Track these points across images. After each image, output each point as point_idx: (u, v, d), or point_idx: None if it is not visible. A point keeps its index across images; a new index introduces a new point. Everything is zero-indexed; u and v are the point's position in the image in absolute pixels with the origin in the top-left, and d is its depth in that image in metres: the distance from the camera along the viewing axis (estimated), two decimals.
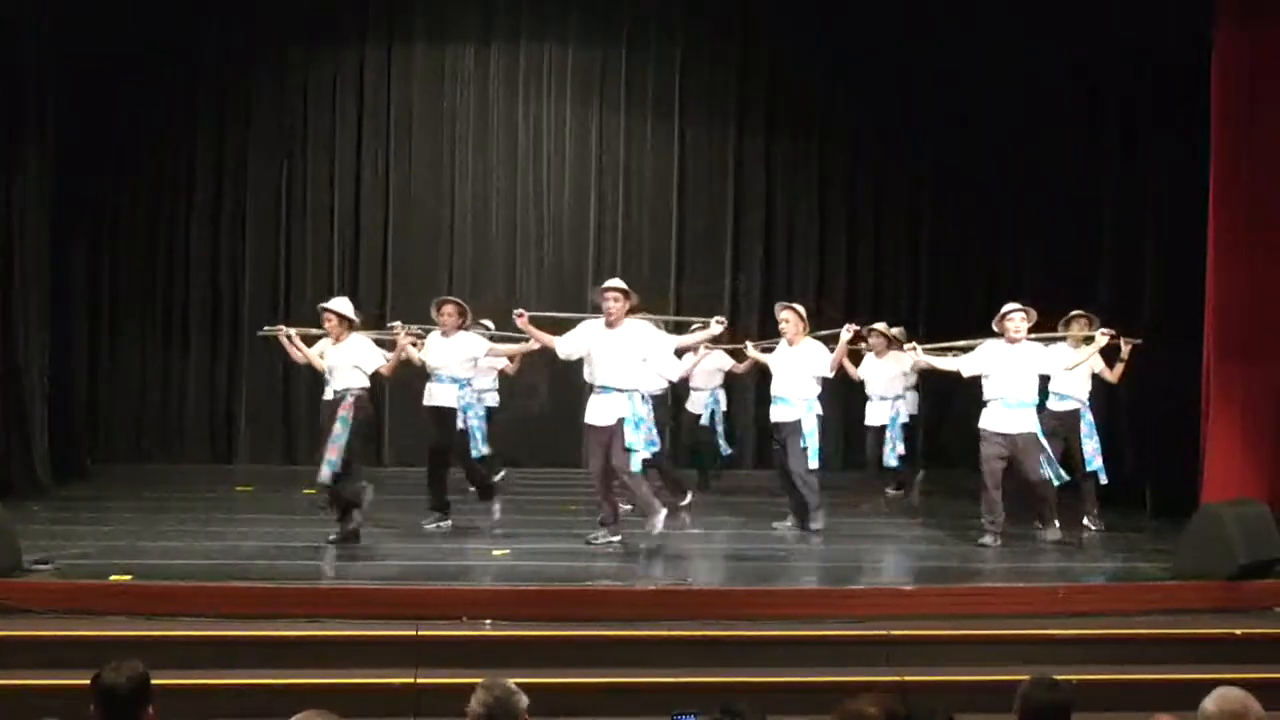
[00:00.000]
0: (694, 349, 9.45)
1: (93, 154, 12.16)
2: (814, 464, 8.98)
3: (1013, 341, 8.53)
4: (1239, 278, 8.56)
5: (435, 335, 9.06)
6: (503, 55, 13.15)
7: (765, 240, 13.42)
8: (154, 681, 3.82)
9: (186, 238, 12.85)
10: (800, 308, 9.25)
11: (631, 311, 8.30)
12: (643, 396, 8.20)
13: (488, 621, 6.60)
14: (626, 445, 8.04)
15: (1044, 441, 8.59)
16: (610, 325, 8.17)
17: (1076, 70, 11.38)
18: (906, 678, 6.26)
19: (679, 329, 9.32)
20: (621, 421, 8.06)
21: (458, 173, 13.16)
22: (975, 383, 8.82)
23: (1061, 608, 7.07)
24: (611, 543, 8.23)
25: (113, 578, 6.93)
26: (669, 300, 13.12)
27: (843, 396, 11.29)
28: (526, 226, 13.20)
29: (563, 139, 13.27)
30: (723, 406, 11.16)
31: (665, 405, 10.47)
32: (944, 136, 13.16)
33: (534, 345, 8.79)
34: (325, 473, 8.15)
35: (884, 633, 6.66)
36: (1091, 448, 9.23)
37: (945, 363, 9.04)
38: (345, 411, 8.21)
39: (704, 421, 11.08)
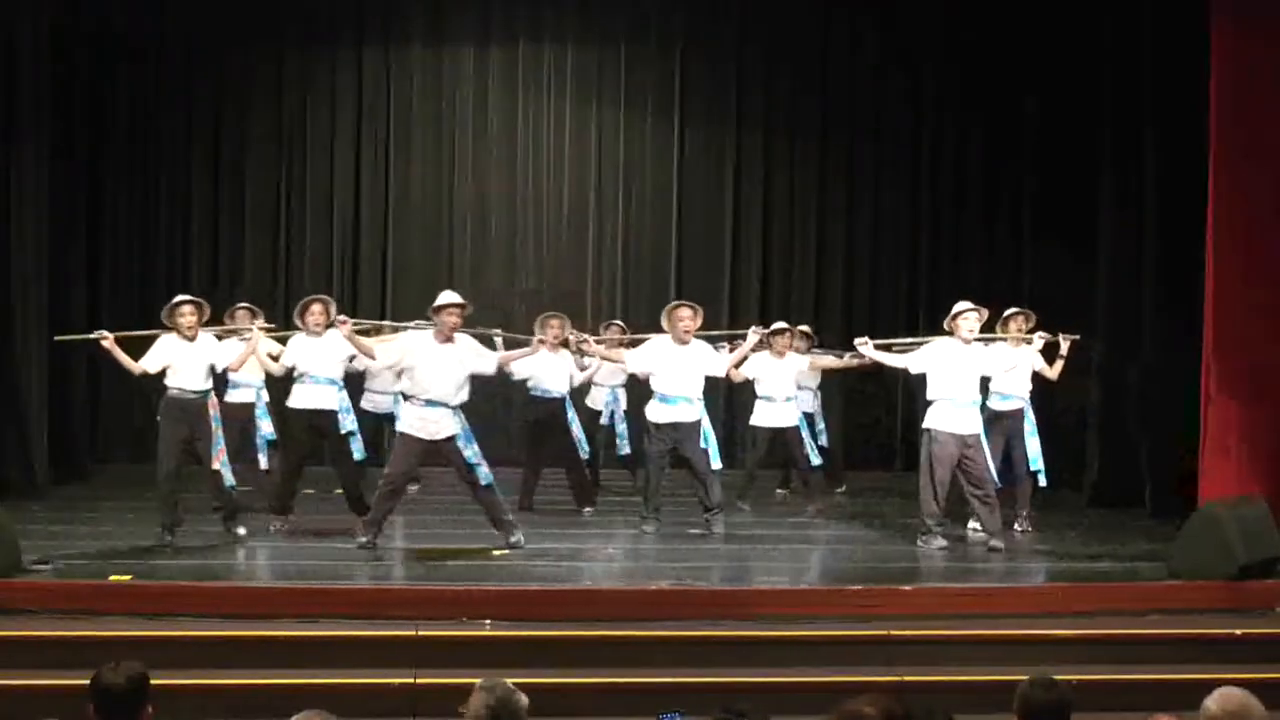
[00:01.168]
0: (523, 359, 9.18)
1: (92, 153, 12.16)
2: (717, 464, 8.99)
3: (966, 341, 8.47)
4: (1238, 276, 8.55)
5: (300, 338, 8.73)
6: (501, 54, 13.15)
7: (764, 239, 13.42)
8: (154, 681, 3.82)
9: (185, 238, 12.86)
10: (696, 306, 9.12)
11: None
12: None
13: (487, 622, 6.60)
14: (470, 461, 7.98)
15: (985, 443, 8.54)
16: (445, 339, 8.05)
17: (1075, 70, 11.39)
18: (906, 678, 6.26)
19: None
20: (454, 439, 7.99)
21: (457, 172, 13.16)
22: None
23: (1061, 608, 7.07)
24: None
25: (112, 578, 6.94)
26: (669, 297, 13.12)
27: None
28: (526, 226, 13.20)
29: (562, 138, 13.27)
30: (623, 405, 11.01)
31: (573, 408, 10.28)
32: (942, 136, 13.20)
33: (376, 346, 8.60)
34: (229, 475, 8.10)
35: (884, 633, 6.67)
36: (1034, 447, 9.13)
37: (894, 359, 8.91)
38: (215, 411, 8.17)
39: (604, 421, 11.00)
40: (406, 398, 8.12)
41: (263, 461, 9.72)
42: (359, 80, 12.99)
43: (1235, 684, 3.65)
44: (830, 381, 11.58)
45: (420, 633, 6.43)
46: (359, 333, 8.59)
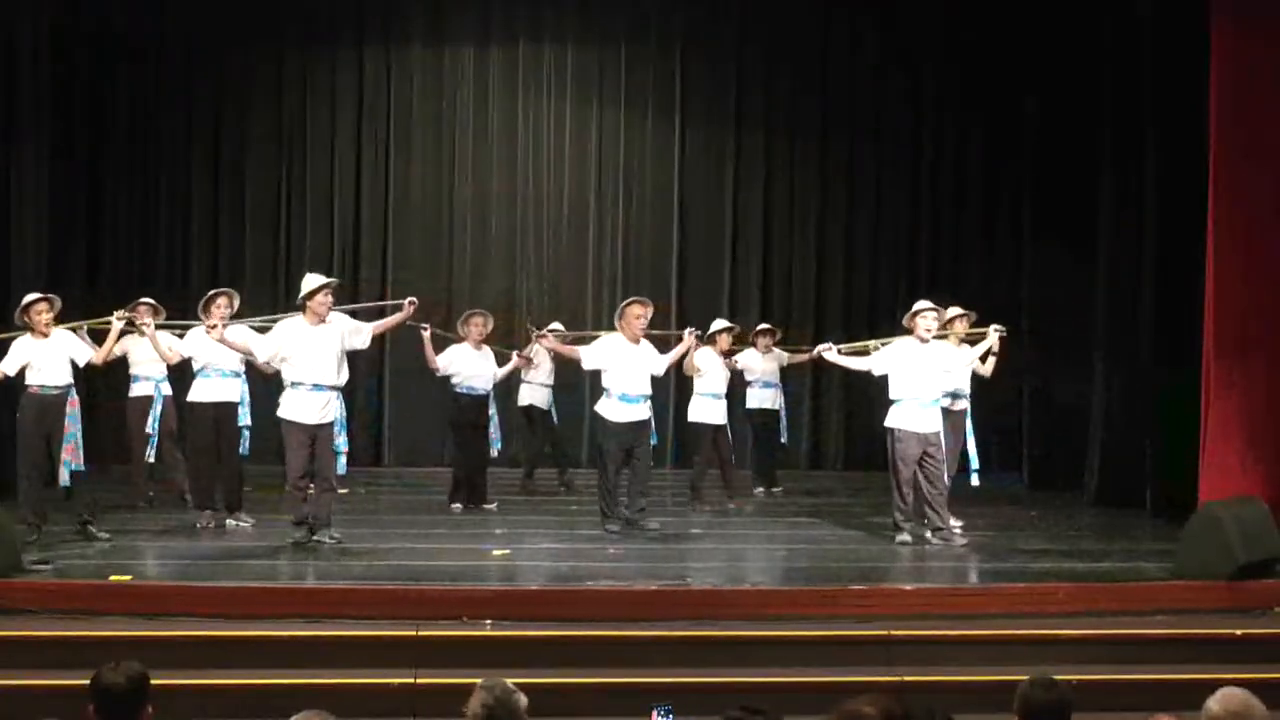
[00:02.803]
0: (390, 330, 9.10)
1: (92, 153, 12.18)
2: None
3: (924, 341, 8.51)
4: (1238, 276, 8.55)
5: (201, 330, 8.69)
6: (502, 55, 13.16)
7: (764, 239, 13.43)
8: (154, 681, 3.82)
9: (185, 238, 12.88)
10: (648, 301, 9.07)
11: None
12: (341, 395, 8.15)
13: (488, 622, 6.59)
14: (335, 448, 7.96)
15: (943, 441, 8.57)
16: (318, 321, 7.98)
17: (1075, 70, 11.39)
18: (906, 678, 6.25)
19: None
20: (333, 424, 7.97)
21: (457, 172, 13.17)
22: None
23: (1062, 608, 7.06)
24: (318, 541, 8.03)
25: (113, 578, 6.93)
26: (670, 297, 13.15)
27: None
28: (526, 226, 13.21)
29: (562, 138, 13.28)
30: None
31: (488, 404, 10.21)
32: (942, 137, 13.21)
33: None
34: (65, 475, 8.00)
35: (884, 633, 6.66)
36: (971, 446, 9.15)
37: (857, 363, 8.98)
38: (74, 409, 8.08)
39: (557, 420, 11.13)
40: (292, 385, 8.03)
41: (150, 456, 9.65)
42: (359, 80, 13.00)
43: (1235, 684, 3.65)
44: (832, 381, 11.61)
45: (420, 633, 6.42)
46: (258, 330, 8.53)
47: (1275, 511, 7.69)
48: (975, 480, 9.20)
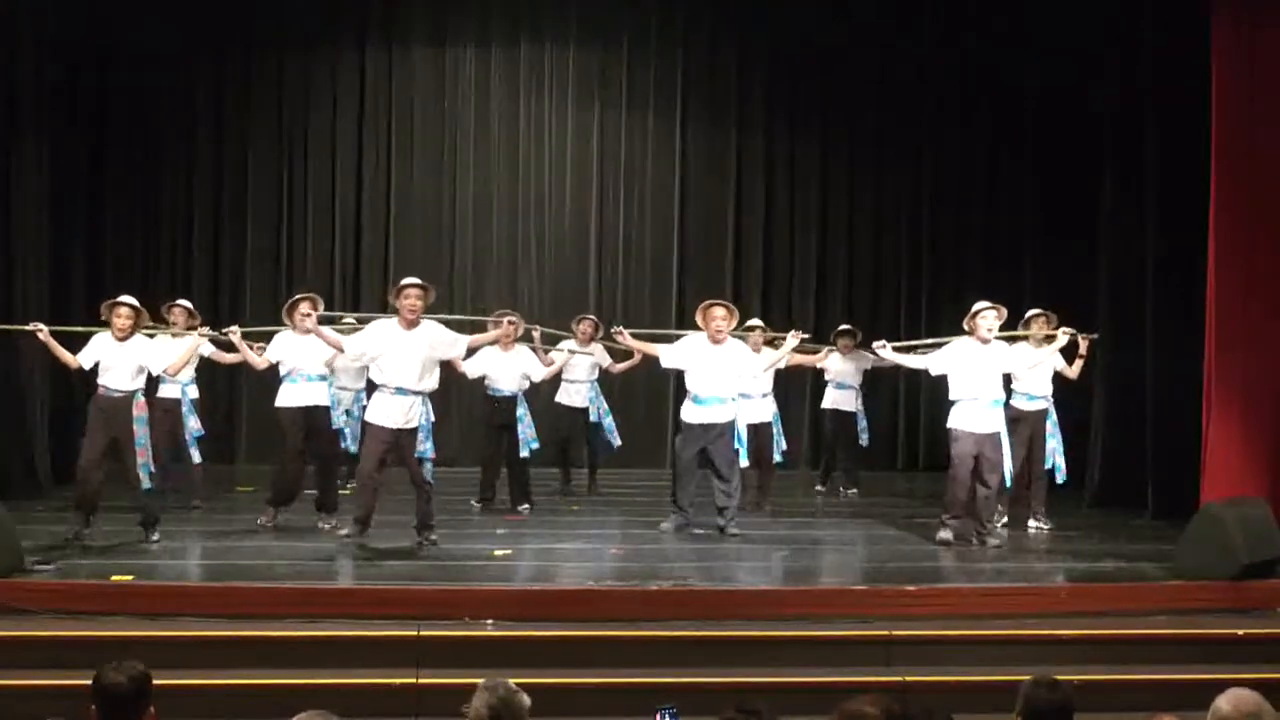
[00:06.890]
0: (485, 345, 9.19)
1: (92, 153, 12.16)
2: (745, 462, 8.99)
3: (984, 341, 8.48)
4: (1239, 276, 8.55)
5: (287, 335, 8.70)
6: (503, 54, 13.16)
7: (766, 239, 13.43)
8: (154, 681, 3.82)
9: (188, 238, 12.87)
10: (732, 306, 8.98)
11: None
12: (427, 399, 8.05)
13: (489, 622, 6.59)
14: (419, 454, 7.88)
15: (1007, 442, 8.55)
16: (409, 325, 7.90)
17: (1075, 68, 11.39)
18: (906, 678, 6.26)
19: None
20: (417, 430, 7.86)
21: (459, 173, 13.17)
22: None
23: (1062, 607, 7.06)
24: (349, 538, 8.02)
25: (113, 578, 6.94)
26: (671, 298, 13.15)
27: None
28: (528, 227, 13.21)
29: (564, 139, 13.28)
30: (603, 402, 10.97)
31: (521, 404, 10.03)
32: (943, 137, 13.21)
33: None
34: (145, 478, 7.96)
35: (884, 633, 6.66)
36: (1052, 446, 9.19)
37: (913, 360, 8.95)
38: (141, 413, 8.01)
39: (594, 418, 10.89)
40: (375, 387, 8.04)
41: (195, 456, 9.65)
42: (360, 80, 13.00)
43: (1237, 684, 3.65)
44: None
45: (422, 633, 6.42)
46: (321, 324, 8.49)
47: (1276, 511, 7.69)
48: (1060, 477, 9.25)
